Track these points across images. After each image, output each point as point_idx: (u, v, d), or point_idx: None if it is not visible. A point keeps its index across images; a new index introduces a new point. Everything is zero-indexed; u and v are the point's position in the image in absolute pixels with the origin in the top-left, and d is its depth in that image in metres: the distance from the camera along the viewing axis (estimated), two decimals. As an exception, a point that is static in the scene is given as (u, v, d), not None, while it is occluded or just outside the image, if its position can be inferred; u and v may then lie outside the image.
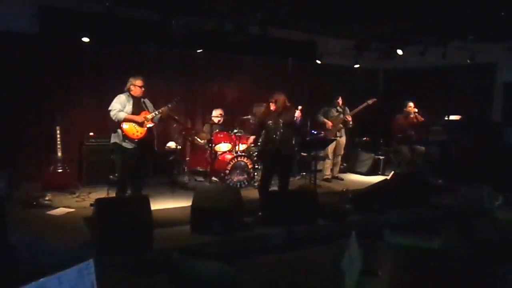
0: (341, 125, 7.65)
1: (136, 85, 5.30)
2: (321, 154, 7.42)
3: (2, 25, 6.06)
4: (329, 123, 7.49)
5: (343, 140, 7.75)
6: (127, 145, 5.23)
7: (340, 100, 7.66)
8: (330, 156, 7.66)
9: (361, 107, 7.60)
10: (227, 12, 6.45)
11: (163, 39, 6.87)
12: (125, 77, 5.43)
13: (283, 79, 8.49)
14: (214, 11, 6.46)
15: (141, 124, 5.26)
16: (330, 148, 7.52)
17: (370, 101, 7.60)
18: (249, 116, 7.26)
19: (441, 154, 8.13)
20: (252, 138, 6.09)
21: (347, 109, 7.70)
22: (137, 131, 5.24)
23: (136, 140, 5.23)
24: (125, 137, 5.20)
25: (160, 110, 5.45)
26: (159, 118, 5.55)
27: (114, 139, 5.29)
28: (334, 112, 7.62)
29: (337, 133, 7.59)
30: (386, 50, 8.31)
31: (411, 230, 4.86)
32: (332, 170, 7.86)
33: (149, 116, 5.33)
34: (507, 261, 4.06)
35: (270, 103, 5.51)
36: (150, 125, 5.36)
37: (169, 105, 5.59)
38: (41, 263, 3.61)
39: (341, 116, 7.60)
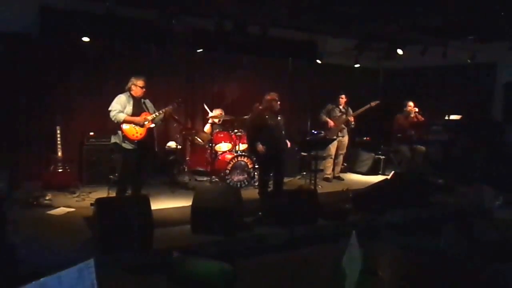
0: (343, 126, 7.66)
1: (137, 85, 5.29)
2: (323, 154, 7.43)
3: (3, 25, 6.06)
4: (331, 123, 7.50)
5: (345, 140, 7.78)
6: (127, 145, 5.23)
7: (343, 99, 7.66)
8: (333, 155, 7.67)
9: (363, 109, 7.62)
10: (227, 12, 6.45)
11: (163, 39, 6.86)
12: (125, 77, 5.43)
13: (283, 79, 8.49)
14: (214, 11, 6.45)
15: (141, 126, 5.25)
16: (333, 147, 7.54)
17: (373, 103, 7.62)
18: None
19: (441, 154, 8.12)
20: (261, 147, 5.69)
21: (350, 109, 7.72)
22: (137, 132, 5.23)
23: (136, 141, 5.23)
24: (125, 138, 5.19)
25: (161, 112, 5.45)
26: (162, 118, 5.55)
27: (114, 139, 5.29)
28: (337, 112, 7.63)
29: (339, 133, 7.61)
30: (386, 50, 8.31)
31: (411, 230, 4.86)
32: (333, 169, 7.87)
33: (149, 118, 5.32)
34: (507, 261, 4.06)
35: (275, 100, 5.74)
36: (150, 126, 5.35)
37: (170, 107, 5.59)
38: (41, 263, 3.62)
39: (344, 116, 7.62)
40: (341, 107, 7.67)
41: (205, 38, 7.21)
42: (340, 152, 7.80)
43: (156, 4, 6.34)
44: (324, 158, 7.60)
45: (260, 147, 5.69)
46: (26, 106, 6.37)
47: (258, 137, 5.73)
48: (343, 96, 7.65)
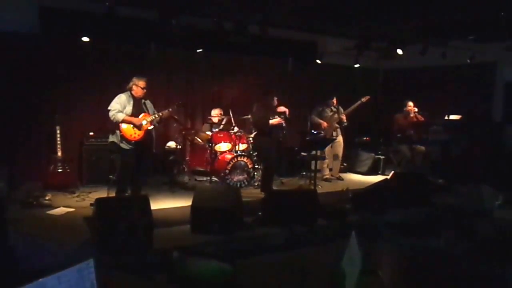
0: (336, 125, 7.64)
1: (138, 86, 5.29)
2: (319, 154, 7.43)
3: (3, 25, 6.05)
4: (324, 124, 7.48)
5: (339, 139, 7.74)
6: (124, 145, 5.23)
7: (334, 100, 7.64)
8: (327, 156, 7.65)
9: (355, 105, 7.60)
10: (227, 12, 6.46)
11: (163, 39, 6.86)
12: (125, 77, 5.43)
13: (283, 79, 8.49)
14: (214, 11, 6.46)
15: (139, 127, 5.25)
16: (327, 148, 7.51)
17: (363, 99, 7.58)
18: (249, 116, 7.26)
19: (441, 154, 8.12)
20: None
21: (341, 108, 7.67)
22: (135, 133, 5.23)
23: (134, 141, 5.23)
24: (123, 138, 5.20)
25: (161, 113, 5.45)
26: (159, 121, 5.55)
27: (112, 138, 5.31)
28: (328, 112, 7.60)
29: (333, 133, 7.59)
30: (386, 50, 8.30)
31: (411, 230, 4.86)
32: (332, 170, 7.86)
33: (148, 119, 5.32)
34: (507, 261, 4.06)
35: (275, 98, 6.24)
36: (149, 127, 5.35)
37: (170, 109, 5.62)
38: (41, 263, 3.62)
39: (336, 115, 7.58)
40: (332, 107, 7.64)
41: (205, 38, 7.22)
42: (337, 153, 7.78)
43: (156, 4, 6.34)
44: (323, 159, 7.60)
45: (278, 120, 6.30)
46: (26, 106, 6.37)
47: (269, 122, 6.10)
48: (334, 100, 7.62)
